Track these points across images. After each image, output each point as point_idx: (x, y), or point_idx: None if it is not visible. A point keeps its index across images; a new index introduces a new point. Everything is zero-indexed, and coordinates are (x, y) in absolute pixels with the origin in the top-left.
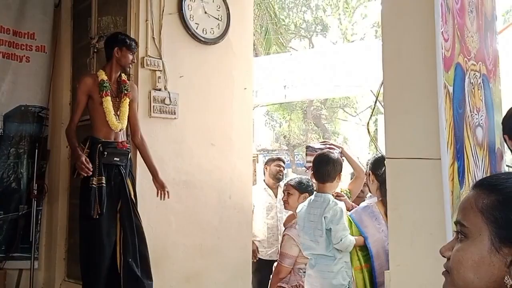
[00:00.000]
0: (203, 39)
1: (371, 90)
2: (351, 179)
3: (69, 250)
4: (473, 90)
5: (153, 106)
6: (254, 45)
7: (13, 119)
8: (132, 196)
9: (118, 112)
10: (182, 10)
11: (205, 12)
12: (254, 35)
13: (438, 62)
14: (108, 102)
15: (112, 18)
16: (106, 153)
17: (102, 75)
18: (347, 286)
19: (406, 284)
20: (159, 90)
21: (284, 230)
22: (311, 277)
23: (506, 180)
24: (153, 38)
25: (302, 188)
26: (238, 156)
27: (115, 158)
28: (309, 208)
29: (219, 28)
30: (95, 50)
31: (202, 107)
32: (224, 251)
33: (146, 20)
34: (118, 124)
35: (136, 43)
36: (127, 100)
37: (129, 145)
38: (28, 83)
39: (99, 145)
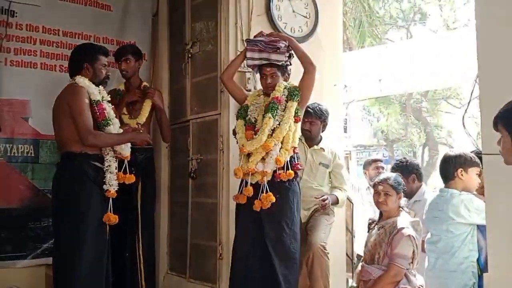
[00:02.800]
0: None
1: (475, 80)
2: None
3: (171, 245)
4: None
5: None
6: (347, 39)
7: None
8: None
9: None
10: (270, 10)
11: (293, 11)
12: (347, 28)
13: None
14: None
15: (204, 23)
16: None
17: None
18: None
19: (506, 286)
20: (249, 91)
21: (401, 230)
22: (432, 277)
23: None
24: (243, 40)
25: (400, 189)
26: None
27: None
28: (434, 204)
29: (307, 26)
30: (190, 56)
31: None
32: None
33: (236, 23)
34: None
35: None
36: None
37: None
38: None
39: None
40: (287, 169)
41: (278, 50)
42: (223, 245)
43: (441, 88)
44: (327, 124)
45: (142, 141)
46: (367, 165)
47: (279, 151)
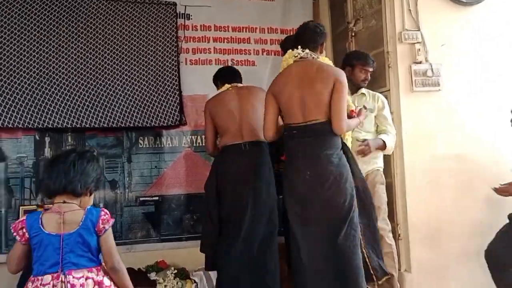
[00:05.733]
0: (464, 0)
1: None
2: None
3: None
4: None
5: (415, 80)
6: None
7: None
8: None
9: None
10: None
11: None
12: None
13: None
14: None
15: None
16: None
17: None
18: None
19: None
20: (420, 63)
21: None
22: None
23: None
24: (409, 10)
25: None
26: None
27: None
28: None
29: None
30: (353, 34)
31: (469, 74)
32: None
33: None
34: None
35: None
36: None
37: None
38: None
39: None
40: None
41: None
42: (401, 225)
43: None
44: None
45: None
46: None
47: None
